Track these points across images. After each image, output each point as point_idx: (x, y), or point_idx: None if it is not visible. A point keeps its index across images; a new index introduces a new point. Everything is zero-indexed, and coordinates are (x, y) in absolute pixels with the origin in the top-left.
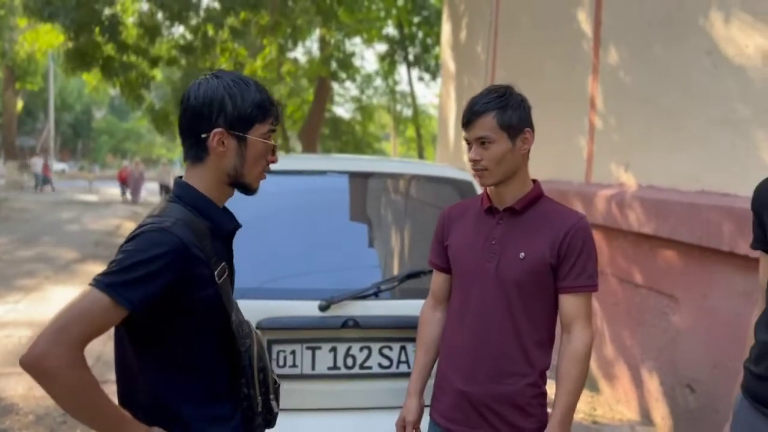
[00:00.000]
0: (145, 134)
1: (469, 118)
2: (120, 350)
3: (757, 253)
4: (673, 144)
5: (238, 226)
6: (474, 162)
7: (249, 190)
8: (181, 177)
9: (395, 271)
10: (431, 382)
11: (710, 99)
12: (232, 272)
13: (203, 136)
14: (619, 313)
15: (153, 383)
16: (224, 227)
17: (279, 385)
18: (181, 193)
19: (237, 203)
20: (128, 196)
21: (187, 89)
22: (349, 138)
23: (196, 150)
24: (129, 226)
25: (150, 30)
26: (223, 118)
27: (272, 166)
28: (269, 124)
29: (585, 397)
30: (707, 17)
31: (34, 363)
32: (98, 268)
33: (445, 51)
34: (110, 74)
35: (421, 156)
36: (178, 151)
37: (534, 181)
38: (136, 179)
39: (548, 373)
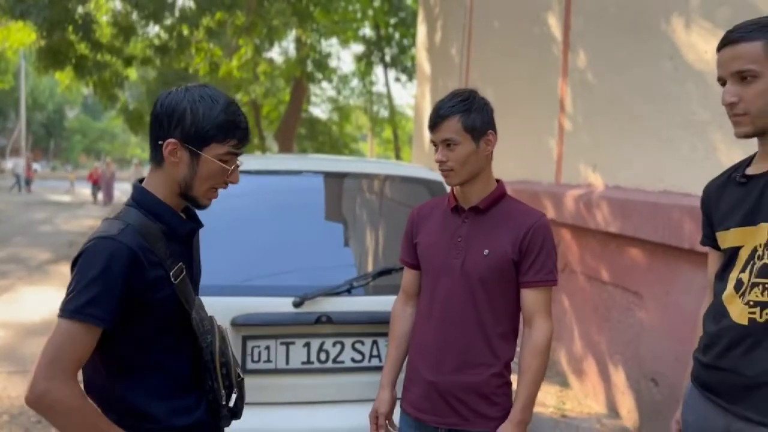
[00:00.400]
0: (119, 134)
1: (435, 121)
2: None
3: (707, 249)
4: (638, 145)
5: (196, 227)
6: (440, 163)
7: (197, 204)
8: (141, 180)
9: (368, 269)
10: (403, 376)
11: (672, 102)
12: (193, 271)
13: (159, 143)
14: (587, 309)
15: (119, 385)
16: (179, 230)
17: (242, 379)
18: (137, 197)
19: (215, 202)
20: (99, 197)
21: (158, 97)
22: (325, 138)
23: (155, 154)
24: None
25: (124, 29)
26: (180, 130)
27: (250, 166)
28: (229, 146)
29: (554, 391)
30: (669, 24)
31: (37, 401)
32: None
33: (421, 53)
34: (83, 73)
35: (398, 157)
36: None
37: (498, 180)
38: (107, 180)
39: (513, 364)
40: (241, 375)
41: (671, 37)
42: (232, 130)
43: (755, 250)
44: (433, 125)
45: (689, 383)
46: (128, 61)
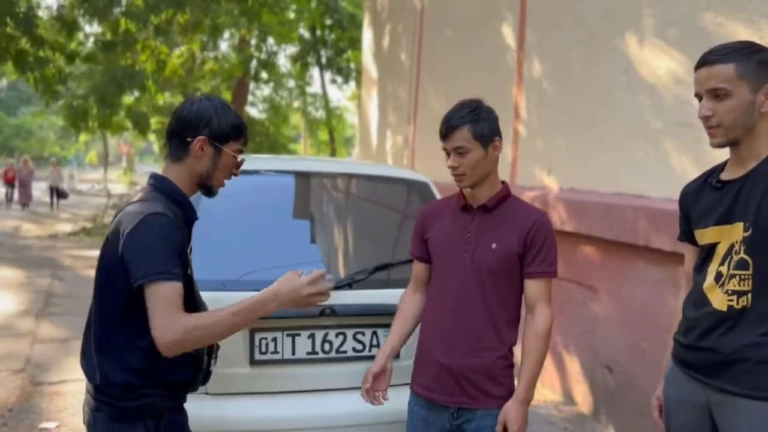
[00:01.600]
0: (36, 131)
1: (446, 131)
2: (106, 322)
3: (676, 248)
4: (593, 151)
5: (197, 217)
6: (453, 168)
7: (211, 192)
8: (154, 173)
9: (364, 265)
10: (405, 363)
11: (626, 112)
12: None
13: (188, 139)
14: None
15: (137, 347)
16: (191, 216)
17: (219, 347)
18: (159, 185)
19: (223, 199)
20: (15, 197)
21: (180, 104)
22: (263, 139)
23: (178, 150)
24: (28, 227)
25: (68, 25)
26: (208, 130)
27: (256, 166)
28: (240, 144)
29: None
30: (624, 40)
31: (175, 345)
32: (3, 269)
33: (367, 57)
34: (24, 68)
35: (333, 157)
36: (73, 149)
37: (503, 182)
38: (24, 179)
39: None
40: (219, 345)
41: (625, 53)
42: (242, 130)
43: (732, 246)
44: (445, 135)
45: (670, 362)
46: (71, 57)
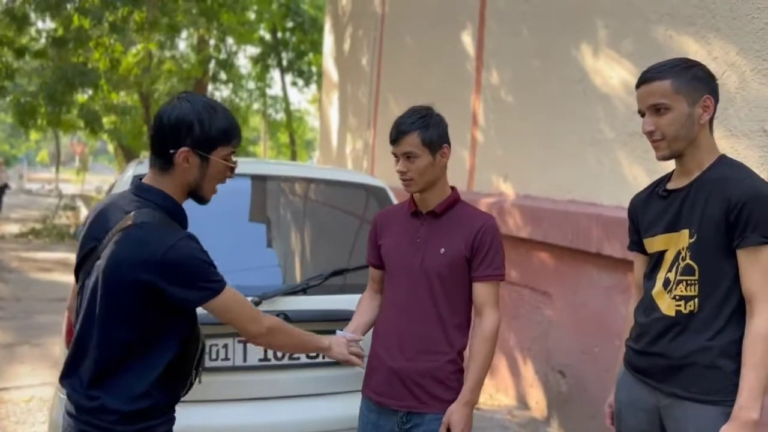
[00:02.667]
0: None
1: (396, 136)
2: (114, 355)
3: (626, 255)
4: (548, 159)
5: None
6: (401, 173)
7: (202, 201)
8: (140, 178)
9: (320, 270)
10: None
11: (580, 121)
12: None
13: (171, 152)
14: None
15: (146, 378)
16: (185, 228)
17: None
18: (151, 197)
19: None
20: None
21: (161, 110)
22: None
23: (162, 162)
24: None
25: (18, 20)
26: (190, 139)
27: None
28: (231, 147)
29: None
30: (579, 50)
31: (269, 334)
32: None
33: (328, 61)
34: None
35: (294, 161)
36: (23, 147)
37: (452, 188)
38: None
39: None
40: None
41: (580, 63)
42: (232, 133)
43: (679, 252)
44: (395, 140)
45: (622, 368)
46: (20, 53)
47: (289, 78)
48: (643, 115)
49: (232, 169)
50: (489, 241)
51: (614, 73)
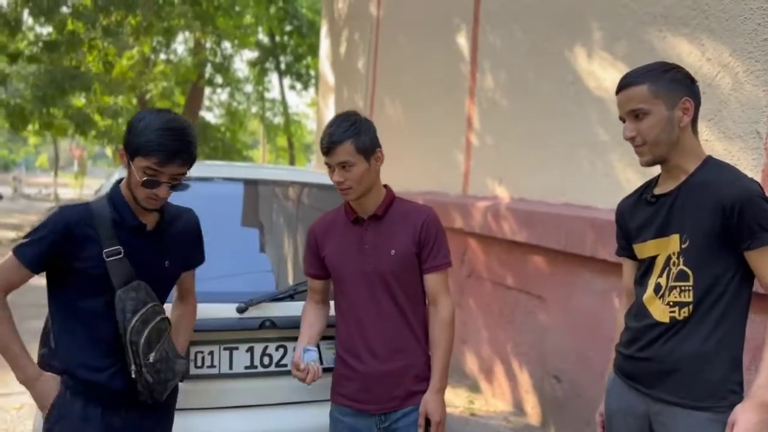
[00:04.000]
0: None
1: (329, 147)
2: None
3: (621, 259)
4: (542, 162)
5: (139, 224)
6: (338, 183)
7: (140, 205)
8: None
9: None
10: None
11: (574, 124)
12: (143, 260)
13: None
14: (493, 313)
15: (54, 327)
16: (126, 221)
17: (153, 363)
18: (110, 188)
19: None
20: None
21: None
22: (218, 144)
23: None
24: None
25: (10, 24)
26: (126, 140)
27: (204, 173)
28: (151, 162)
29: (463, 392)
30: (572, 52)
31: None
32: None
33: (324, 64)
34: None
35: (292, 164)
36: (22, 152)
37: (385, 186)
38: None
39: None
40: (154, 360)
41: (574, 65)
42: (154, 149)
43: (669, 258)
44: (327, 150)
45: (611, 374)
46: (13, 57)
47: (287, 81)
48: (624, 121)
49: (145, 183)
50: (434, 233)
51: (608, 76)
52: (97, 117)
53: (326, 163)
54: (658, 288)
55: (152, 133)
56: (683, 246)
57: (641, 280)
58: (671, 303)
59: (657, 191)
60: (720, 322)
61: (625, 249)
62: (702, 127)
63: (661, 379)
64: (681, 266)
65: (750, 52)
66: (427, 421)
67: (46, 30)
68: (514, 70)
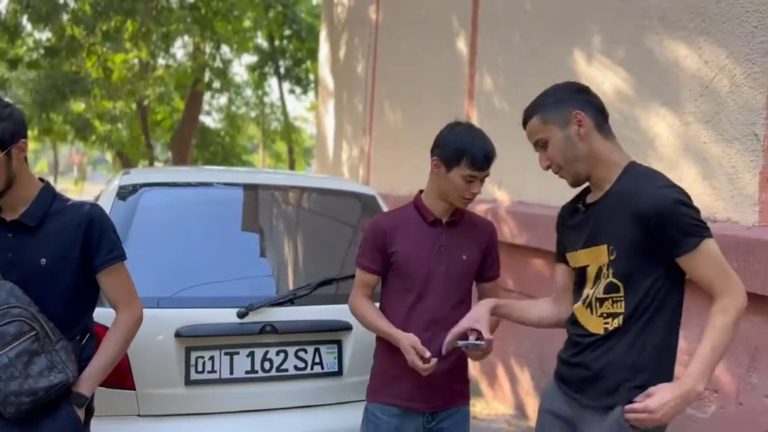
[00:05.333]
0: None
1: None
2: None
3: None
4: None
5: (12, 220)
6: (473, 195)
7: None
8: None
9: (308, 279)
10: (350, 381)
11: None
12: (7, 257)
13: None
14: None
15: None
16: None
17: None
18: None
19: (155, 213)
20: None
21: None
22: (217, 149)
23: None
24: None
25: (9, 30)
26: None
27: (184, 178)
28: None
29: None
30: (571, 56)
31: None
32: None
33: (323, 69)
34: None
35: (292, 169)
36: None
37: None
38: None
39: None
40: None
41: (572, 69)
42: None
43: (600, 269)
44: (484, 164)
45: (552, 377)
46: (13, 63)
47: (286, 86)
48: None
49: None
50: (497, 246)
51: (606, 80)
52: (96, 122)
53: (473, 176)
54: (585, 299)
55: (12, 122)
56: (611, 257)
57: (578, 290)
58: (604, 314)
59: (588, 199)
60: (649, 330)
61: (562, 255)
62: (699, 129)
63: (587, 384)
64: (610, 278)
65: (747, 55)
66: None
67: (45, 36)
68: (512, 74)
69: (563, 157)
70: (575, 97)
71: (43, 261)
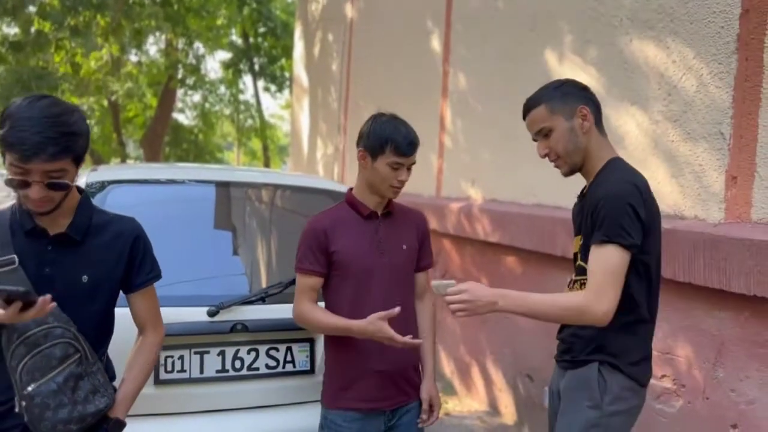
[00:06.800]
0: None
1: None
2: None
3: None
4: (514, 163)
5: (34, 228)
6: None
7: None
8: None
9: (280, 278)
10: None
11: None
12: (49, 273)
13: None
14: None
15: None
16: (24, 226)
17: (33, 395)
18: None
19: (125, 210)
20: None
21: None
22: (190, 146)
23: None
24: None
25: None
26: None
27: (154, 175)
28: (14, 159)
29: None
30: (543, 55)
31: None
32: None
33: (298, 66)
34: None
35: (267, 167)
36: None
37: None
38: None
39: None
40: (33, 392)
41: (545, 68)
42: (13, 143)
43: (576, 255)
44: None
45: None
46: None
47: (261, 83)
48: (536, 140)
49: (12, 183)
50: (428, 234)
51: (579, 78)
52: None
53: (399, 163)
54: (570, 281)
55: (15, 123)
56: (580, 243)
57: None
58: None
59: (584, 191)
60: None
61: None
62: (667, 128)
63: (562, 355)
64: (579, 261)
65: (714, 54)
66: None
67: (12, 30)
68: (486, 72)
69: (564, 147)
70: (580, 94)
71: (85, 278)
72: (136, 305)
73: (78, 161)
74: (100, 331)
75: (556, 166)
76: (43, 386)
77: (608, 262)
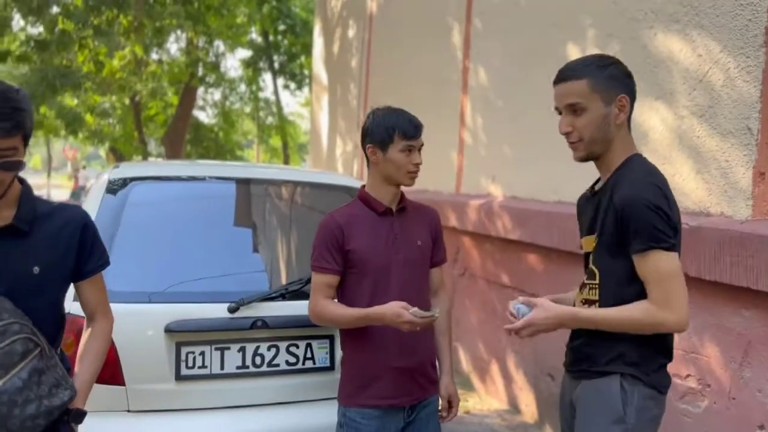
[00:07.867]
0: None
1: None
2: None
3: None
4: (534, 159)
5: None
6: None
7: None
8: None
9: (300, 274)
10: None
11: None
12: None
13: None
14: (487, 312)
15: None
16: None
17: None
18: None
19: (143, 207)
20: None
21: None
22: (211, 144)
23: None
24: None
25: None
26: None
27: (175, 172)
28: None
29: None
30: (565, 50)
31: None
32: None
33: (317, 63)
34: None
35: (287, 164)
36: None
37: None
38: None
39: None
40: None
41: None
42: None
43: (589, 256)
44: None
45: None
46: (2, 57)
47: (281, 81)
48: (560, 112)
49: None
50: (441, 230)
51: None
52: (88, 117)
53: (410, 146)
54: (581, 285)
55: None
56: (594, 245)
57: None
58: (584, 301)
59: (597, 186)
60: None
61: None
62: (693, 123)
63: (576, 364)
64: (591, 265)
65: (741, 48)
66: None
67: (37, 30)
68: (507, 67)
69: (592, 133)
70: (625, 81)
71: (36, 269)
72: (86, 293)
73: (26, 140)
74: (54, 323)
75: (573, 148)
76: (8, 383)
77: (663, 268)
